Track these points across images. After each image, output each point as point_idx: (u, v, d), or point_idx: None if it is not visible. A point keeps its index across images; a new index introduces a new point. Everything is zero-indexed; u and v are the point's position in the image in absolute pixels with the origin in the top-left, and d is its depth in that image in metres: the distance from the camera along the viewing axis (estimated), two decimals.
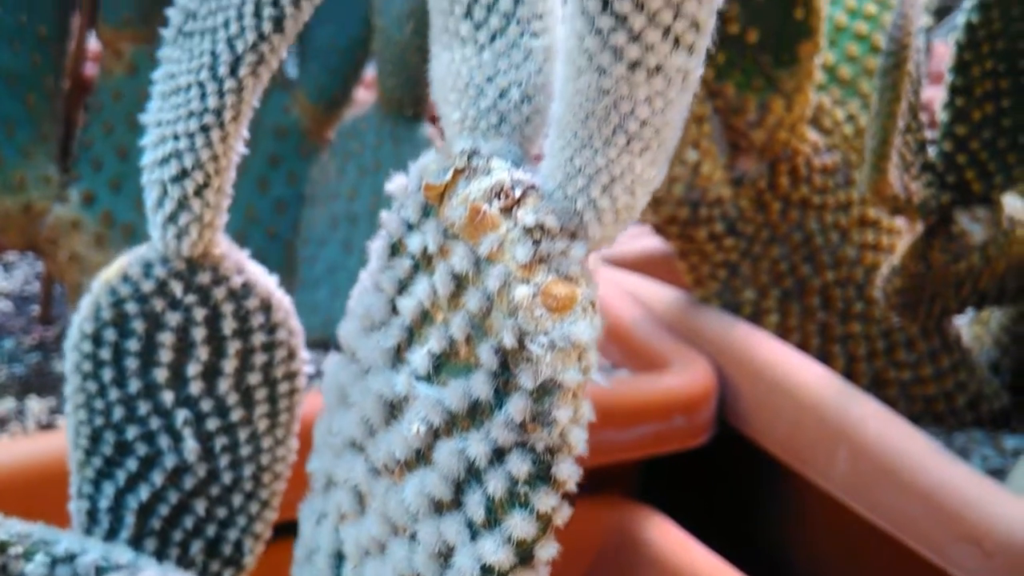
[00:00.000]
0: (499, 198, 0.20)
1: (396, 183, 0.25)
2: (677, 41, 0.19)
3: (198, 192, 0.30)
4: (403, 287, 0.23)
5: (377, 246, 0.24)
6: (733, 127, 0.65)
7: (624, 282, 0.76)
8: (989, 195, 0.58)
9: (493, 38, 0.21)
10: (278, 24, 0.27)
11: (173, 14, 0.30)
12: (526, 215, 0.20)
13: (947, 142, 0.57)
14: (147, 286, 0.31)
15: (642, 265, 0.82)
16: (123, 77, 0.73)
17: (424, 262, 0.22)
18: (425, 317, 0.22)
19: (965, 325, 0.77)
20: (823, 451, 0.55)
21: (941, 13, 1.55)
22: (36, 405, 0.64)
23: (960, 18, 0.53)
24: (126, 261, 0.31)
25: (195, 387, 0.32)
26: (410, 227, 0.23)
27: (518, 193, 0.20)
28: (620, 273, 0.78)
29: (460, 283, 0.21)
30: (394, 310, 0.23)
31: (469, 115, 0.22)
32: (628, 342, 0.69)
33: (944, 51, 1.61)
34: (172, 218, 0.30)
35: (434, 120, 0.76)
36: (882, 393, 0.69)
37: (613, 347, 0.72)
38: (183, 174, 0.29)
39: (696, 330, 0.67)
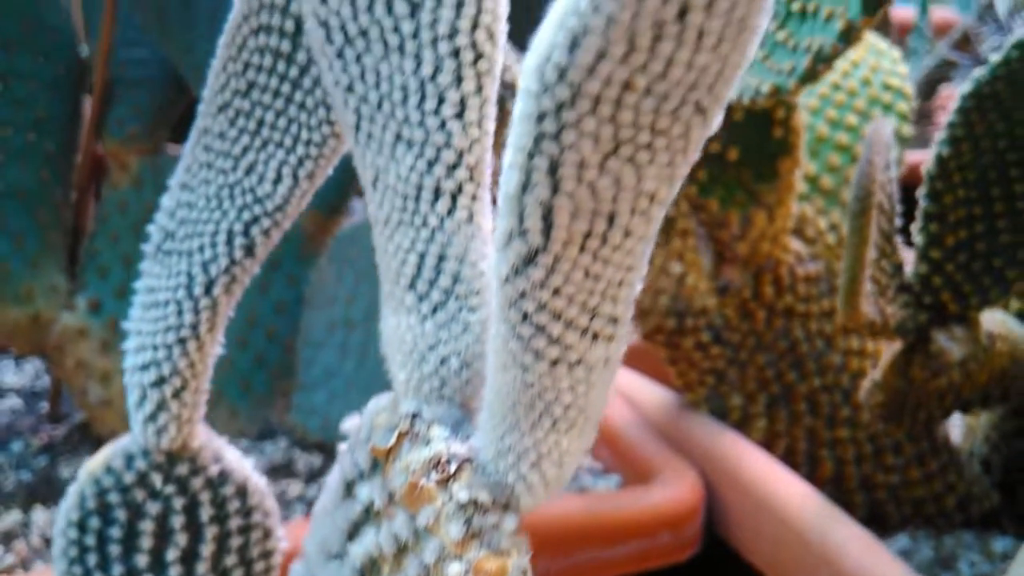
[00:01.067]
0: (436, 470, 0.22)
1: (349, 423, 0.26)
2: (596, 336, 0.21)
3: (176, 395, 0.32)
4: (354, 531, 0.24)
5: (332, 479, 0.26)
6: (717, 239, 0.67)
7: (618, 379, 0.78)
8: (966, 315, 0.59)
9: (435, 310, 0.23)
10: (249, 251, 0.29)
11: (153, 231, 0.32)
12: (460, 491, 0.21)
13: (923, 265, 0.58)
14: (129, 477, 0.33)
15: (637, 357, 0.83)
16: (129, 189, 0.76)
17: (373, 515, 0.24)
18: (373, 566, 0.24)
19: (958, 416, 0.78)
20: (805, 572, 0.56)
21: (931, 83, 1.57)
22: (42, 517, 0.66)
23: (932, 150, 0.55)
24: (110, 452, 0.33)
25: (174, 571, 0.33)
26: (361, 475, 0.25)
27: (453, 467, 0.22)
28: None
29: (401, 548, 0.22)
30: (346, 550, 0.25)
31: (414, 378, 0.23)
32: (619, 446, 0.70)
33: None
34: (151, 417, 0.32)
35: None
36: (871, 496, 0.70)
37: (605, 450, 0.73)
38: (161, 380, 0.31)
39: (685, 437, 0.68)
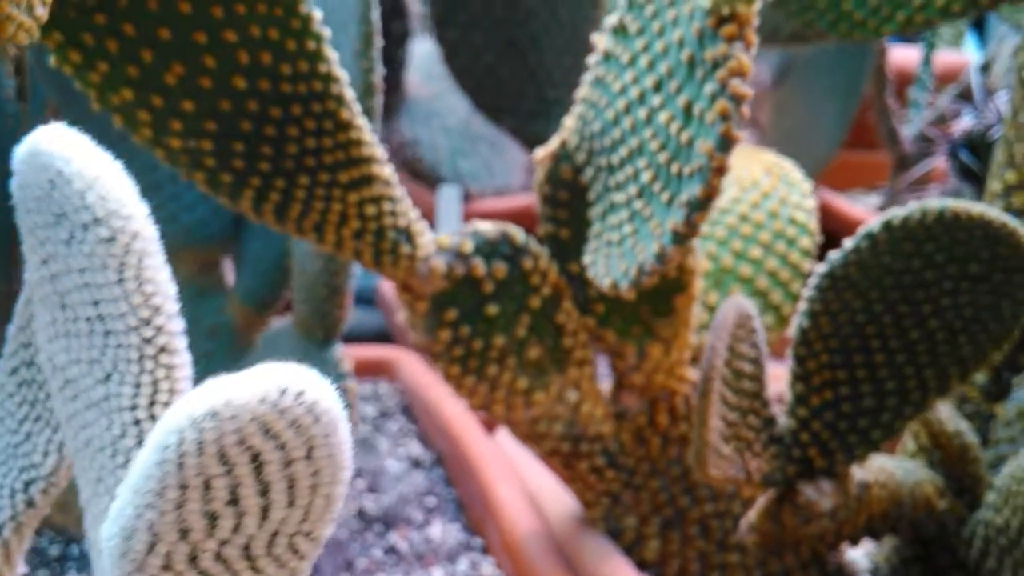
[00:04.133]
0: None
1: None
2: None
3: None
4: None
5: None
6: (615, 369, 0.69)
7: (530, 481, 0.80)
8: (833, 469, 0.61)
9: None
10: (30, 504, 0.32)
11: None
12: None
13: (792, 421, 0.60)
14: None
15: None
16: None
17: None
18: None
19: None
20: None
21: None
22: None
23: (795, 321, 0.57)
24: None
25: None
26: None
27: None
28: (530, 467, 0.82)
29: None
30: None
31: None
32: (517, 558, 0.73)
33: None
34: None
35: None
36: None
37: (504, 558, 0.75)
38: None
39: (577, 557, 0.70)
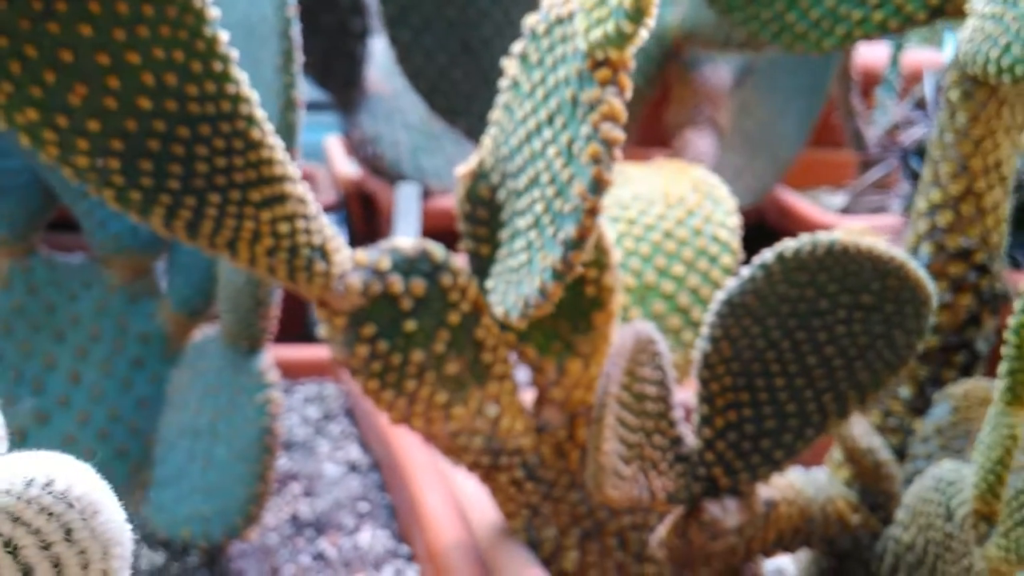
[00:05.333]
0: None
1: None
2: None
3: None
4: None
5: None
6: (536, 383, 0.70)
7: (459, 490, 0.81)
8: (737, 488, 0.62)
9: None
10: None
11: None
12: None
13: (698, 441, 0.61)
14: None
15: None
16: None
17: None
18: None
19: None
20: None
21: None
22: None
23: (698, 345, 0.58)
24: None
25: None
26: None
27: None
28: (461, 476, 0.83)
29: None
30: None
31: None
32: (440, 567, 0.74)
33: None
34: None
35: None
36: None
37: (429, 567, 0.76)
38: None
39: (498, 569, 0.71)
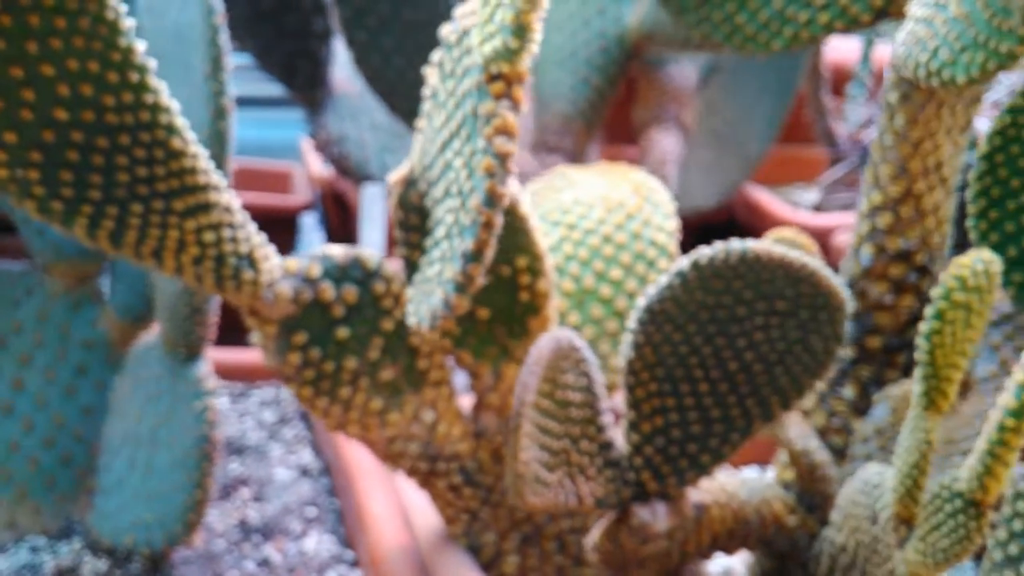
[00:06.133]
0: None
1: None
2: None
3: None
4: None
5: None
6: (473, 388, 0.70)
7: (406, 496, 0.81)
8: (666, 492, 0.62)
9: None
10: None
11: None
12: None
13: (627, 446, 0.61)
14: None
15: None
16: None
17: None
18: None
19: None
20: None
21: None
22: None
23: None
24: None
25: None
26: None
27: None
28: (408, 481, 0.83)
29: None
30: None
31: None
32: (381, 572, 0.74)
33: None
34: None
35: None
36: None
37: (372, 572, 0.77)
38: None
39: (436, 572, 0.71)
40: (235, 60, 0.68)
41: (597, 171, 0.80)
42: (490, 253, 0.45)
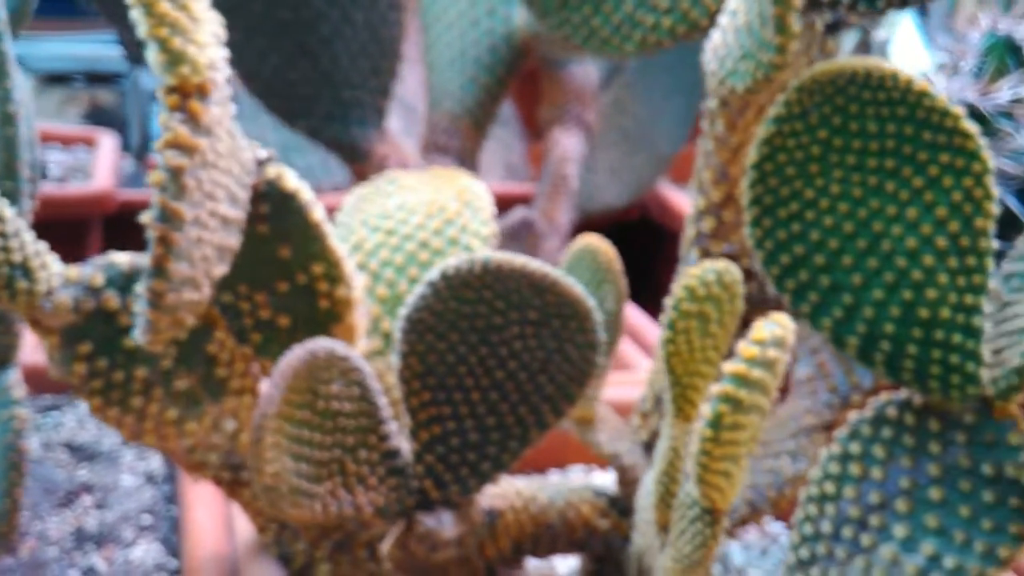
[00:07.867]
0: None
1: None
2: None
3: None
4: None
5: None
6: None
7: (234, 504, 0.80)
8: (450, 500, 0.62)
9: None
10: None
11: None
12: None
13: (410, 455, 0.61)
14: None
15: None
16: None
17: None
18: None
19: None
20: None
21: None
22: None
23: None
24: None
25: None
26: None
27: None
28: None
29: None
30: None
31: None
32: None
33: None
34: None
35: None
36: None
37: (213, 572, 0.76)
38: None
39: None
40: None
41: (426, 176, 0.80)
42: (180, 268, 0.45)
